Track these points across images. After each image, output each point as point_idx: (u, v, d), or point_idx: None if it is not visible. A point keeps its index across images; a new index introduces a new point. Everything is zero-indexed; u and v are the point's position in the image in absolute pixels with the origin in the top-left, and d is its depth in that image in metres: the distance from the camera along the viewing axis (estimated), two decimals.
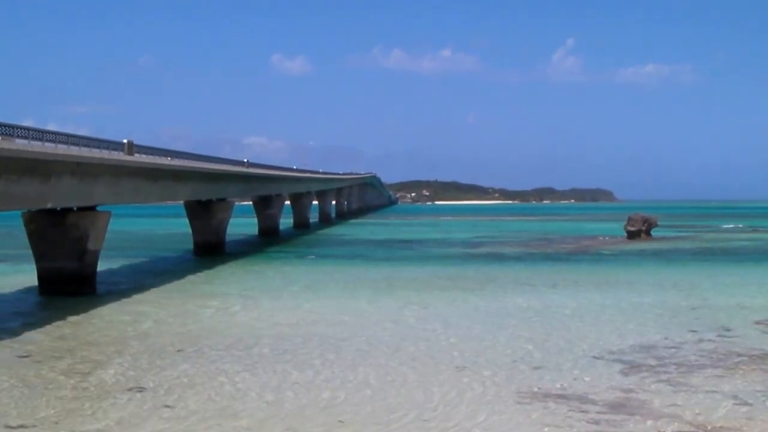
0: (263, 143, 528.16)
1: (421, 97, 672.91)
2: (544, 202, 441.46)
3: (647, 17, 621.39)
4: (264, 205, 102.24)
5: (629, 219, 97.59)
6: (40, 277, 44.74)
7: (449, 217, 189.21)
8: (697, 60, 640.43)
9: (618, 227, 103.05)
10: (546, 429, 19.02)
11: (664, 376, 24.42)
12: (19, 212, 44.23)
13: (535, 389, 22.81)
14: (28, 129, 38.29)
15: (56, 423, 19.55)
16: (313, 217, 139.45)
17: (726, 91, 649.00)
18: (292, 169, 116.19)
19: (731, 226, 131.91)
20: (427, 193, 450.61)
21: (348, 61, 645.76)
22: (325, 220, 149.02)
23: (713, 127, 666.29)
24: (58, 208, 43.49)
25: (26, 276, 48.39)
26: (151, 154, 55.22)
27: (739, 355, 27.71)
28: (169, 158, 59.04)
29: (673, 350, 28.58)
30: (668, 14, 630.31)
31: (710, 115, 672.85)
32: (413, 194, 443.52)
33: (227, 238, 77.53)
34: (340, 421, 19.67)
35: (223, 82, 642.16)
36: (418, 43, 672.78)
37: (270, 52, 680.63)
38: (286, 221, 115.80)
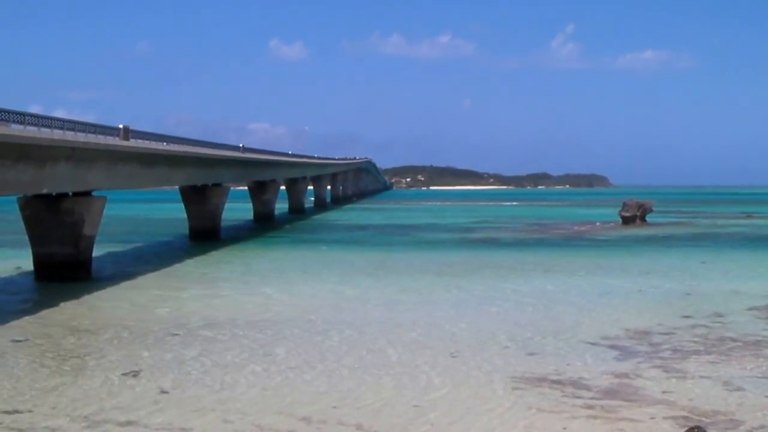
0: (266, 129, 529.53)
1: (419, 83, 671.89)
2: (539, 187, 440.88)
3: (645, 3, 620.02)
4: (259, 191, 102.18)
5: (624, 205, 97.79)
6: (35, 263, 44.69)
7: (444, 203, 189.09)
8: (695, 46, 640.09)
9: (613, 213, 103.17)
10: (539, 414, 19.13)
11: (658, 362, 24.57)
12: (15, 197, 44.21)
13: (529, 375, 22.92)
14: (23, 114, 38.10)
15: (53, 408, 19.61)
16: (309, 203, 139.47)
17: (723, 77, 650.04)
18: (287, 155, 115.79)
19: (718, 211, 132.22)
20: (423, 179, 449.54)
21: (346, 46, 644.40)
22: (321, 205, 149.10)
23: (710, 113, 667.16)
24: (54, 194, 43.46)
25: (22, 261, 48.36)
26: (147, 140, 55.06)
27: (733, 341, 27.89)
28: (164, 143, 58.87)
29: (667, 336, 28.74)
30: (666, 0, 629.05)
31: (707, 101, 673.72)
32: (408, 179, 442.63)
33: (223, 223, 77.55)
34: (334, 408, 19.76)
35: (224, 68, 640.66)
36: (416, 28, 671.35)
37: (267, 38, 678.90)
38: (281, 206, 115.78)
